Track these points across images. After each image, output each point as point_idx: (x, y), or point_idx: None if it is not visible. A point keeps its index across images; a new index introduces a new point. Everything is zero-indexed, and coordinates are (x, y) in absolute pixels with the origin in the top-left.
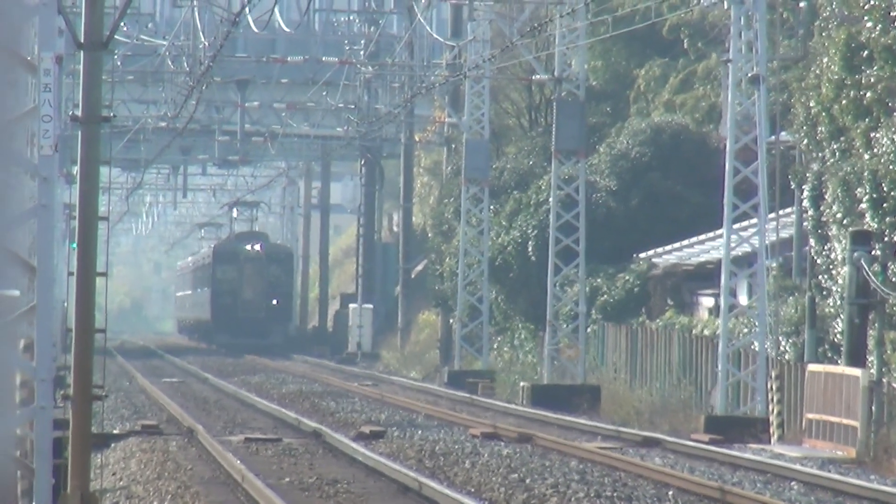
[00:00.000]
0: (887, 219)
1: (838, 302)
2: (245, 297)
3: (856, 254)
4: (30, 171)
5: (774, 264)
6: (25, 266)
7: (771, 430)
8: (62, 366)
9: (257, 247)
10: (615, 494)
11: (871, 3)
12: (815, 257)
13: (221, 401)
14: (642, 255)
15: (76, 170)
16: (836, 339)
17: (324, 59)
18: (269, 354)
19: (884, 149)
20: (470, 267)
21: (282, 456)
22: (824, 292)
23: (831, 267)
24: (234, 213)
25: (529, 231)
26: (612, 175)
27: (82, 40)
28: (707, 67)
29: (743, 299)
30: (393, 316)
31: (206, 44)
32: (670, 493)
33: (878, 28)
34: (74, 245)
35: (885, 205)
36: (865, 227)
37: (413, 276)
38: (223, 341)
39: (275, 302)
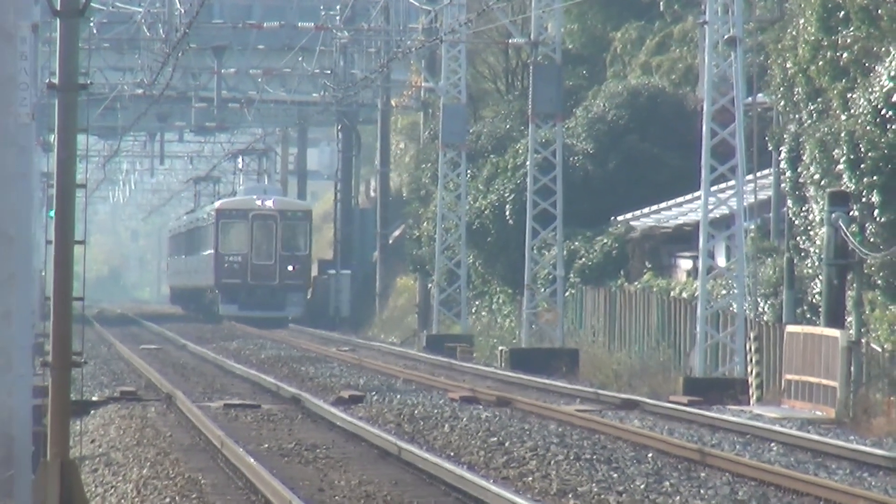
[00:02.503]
0: (864, 179)
1: (816, 263)
2: (256, 262)
3: (833, 215)
4: (7, 139)
5: (752, 226)
6: (3, 235)
7: (750, 392)
8: (41, 333)
9: (269, 202)
10: (594, 457)
11: None
12: (793, 218)
13: (200, 367)
14: (620, 217)
15: (53, 138)
16: (814, 300)
17: (300, 24)
18: (249, 321)
19: (860, 109)
20: (447, 231)
21: (261, 422)
22: (802, 253)
23: (809, 228)
24: (240, 164)
25: (507, 195)
26: (589, 138)
27: (58, 8)
28: (683, 29)
29: (721, 261)
30: (371, 281)
31: (182, 10)
32: (649, 455)
33: None
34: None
35: (862, 165)
36: (843, 188)
37: (391, 241)
38: (230, 313)
39: (291, 268)
